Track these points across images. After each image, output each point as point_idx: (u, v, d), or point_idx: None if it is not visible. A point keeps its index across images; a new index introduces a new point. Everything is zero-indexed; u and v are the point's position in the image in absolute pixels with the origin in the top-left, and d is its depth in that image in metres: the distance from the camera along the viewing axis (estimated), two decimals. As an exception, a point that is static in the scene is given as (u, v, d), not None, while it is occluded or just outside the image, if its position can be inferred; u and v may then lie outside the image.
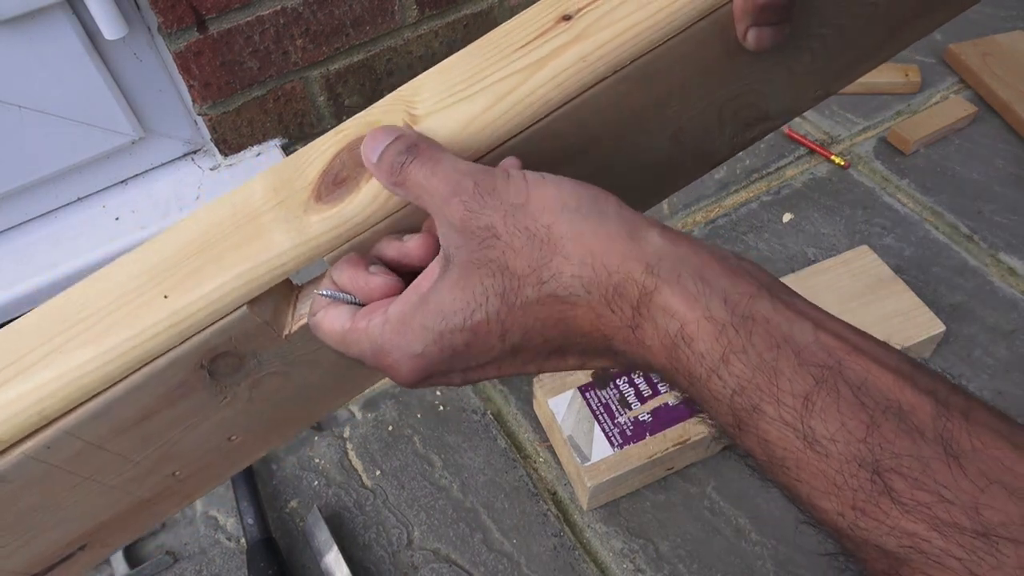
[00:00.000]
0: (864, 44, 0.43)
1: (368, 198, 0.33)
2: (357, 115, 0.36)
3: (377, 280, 0.32)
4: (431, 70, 0.36)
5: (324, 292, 0.33)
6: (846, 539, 0.25)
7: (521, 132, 0.34)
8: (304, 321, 0.35)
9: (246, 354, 0.36)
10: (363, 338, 0.31)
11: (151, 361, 0.33)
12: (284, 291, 0.35)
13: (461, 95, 0.34)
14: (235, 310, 0.33)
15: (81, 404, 0.33)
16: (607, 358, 0.31)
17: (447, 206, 0.30)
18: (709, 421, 0.29)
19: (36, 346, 0.34)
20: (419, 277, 0.32)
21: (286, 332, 0.36)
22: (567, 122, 0.35)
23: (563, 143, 0.36)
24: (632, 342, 0.28)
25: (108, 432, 0.35)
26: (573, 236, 0.28)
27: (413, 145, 0.31)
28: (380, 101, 0.36)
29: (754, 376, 0.26)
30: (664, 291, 0.27)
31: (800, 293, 0.29)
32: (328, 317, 0.33)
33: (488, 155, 0.34)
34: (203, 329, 0.33)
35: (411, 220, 0.34)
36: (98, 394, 0.33)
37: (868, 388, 0.25)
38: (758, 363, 0.26)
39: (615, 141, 0.38)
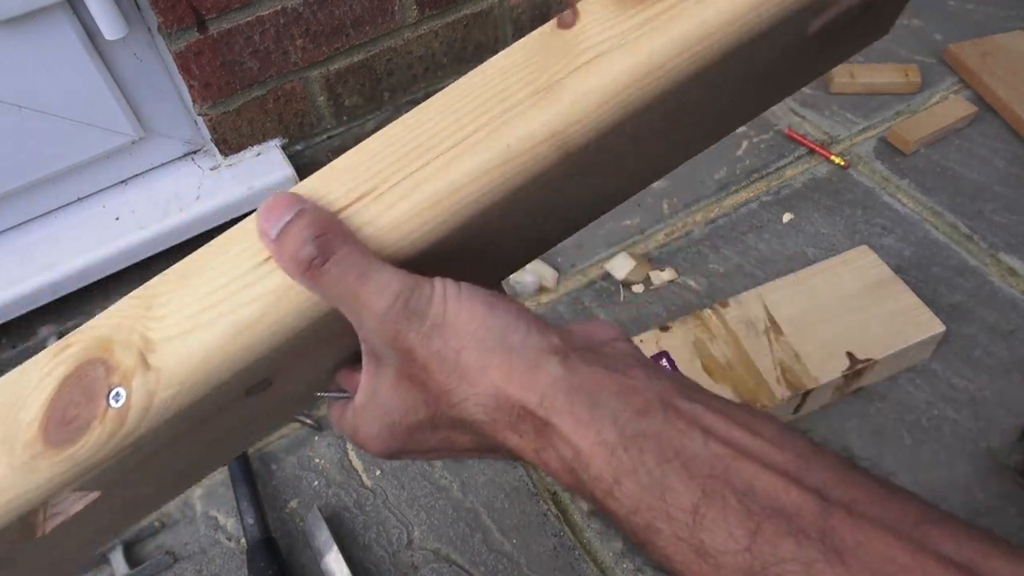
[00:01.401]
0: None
1: (104, 438, 0.30)
2: (85, 326, 0.32)
3: (358, 373, 0.37)
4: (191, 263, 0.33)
5: (326, 395, 0.40)
6: None
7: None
8: (59, 520, 0.33)
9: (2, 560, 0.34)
10: (345, 424, 0.37)
11: None
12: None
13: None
14: None
15: None
16: (531, 464, 0.34)
17: (376, 322, 0.30)
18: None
19: None
20: (362, 374, 0.35)
21: (39, 533, 0.33)
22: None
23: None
24: (540, 463, 0.30)
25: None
26: (479, 367, 0.30)
27: (327, 238, 0.30)
28: (112, 308, 0.33)
29: (644, 496, 0.27)
30: (556, 420, 0.29)
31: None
32: (333, 410, 0.39)
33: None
34: None
35: (155, 446, 0.32)
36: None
37: (755, 493, 0.26)
38: (648, 482, 0.27)
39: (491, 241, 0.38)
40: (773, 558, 0.25)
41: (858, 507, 0.25)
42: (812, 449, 0.28)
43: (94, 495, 0.33)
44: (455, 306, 0.30)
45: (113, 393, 0.31)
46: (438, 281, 0.31)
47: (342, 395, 0.38)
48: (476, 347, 0.30)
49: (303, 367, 0.37)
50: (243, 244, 0.33)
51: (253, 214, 0.32)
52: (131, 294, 0.33)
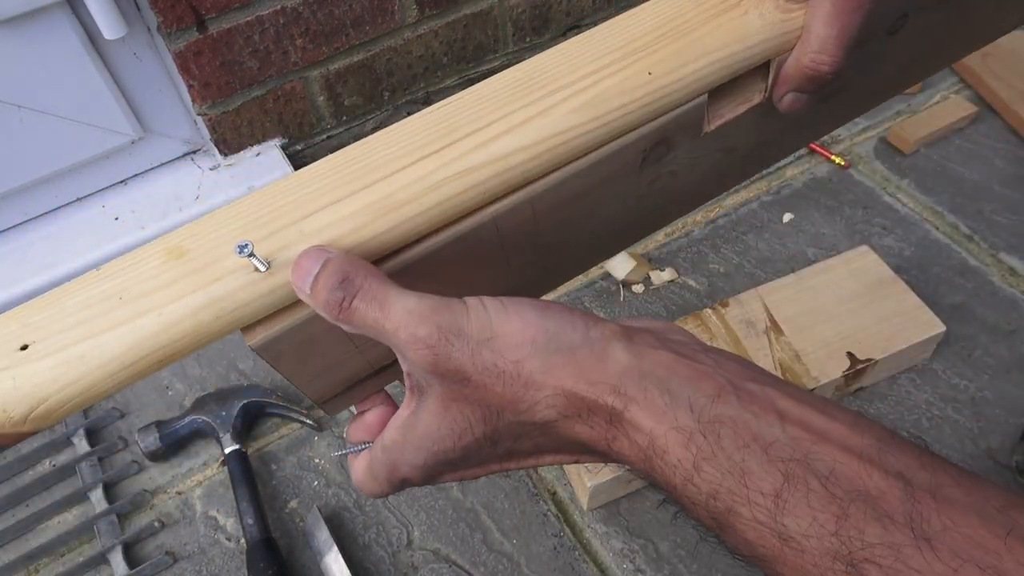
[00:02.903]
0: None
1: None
2: None
3: (369, 416, 0.38)
4: None
5: (344, 451, 0.39)
6: None
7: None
8: (720, 121, 0.38)
9: (672, 145, 0.38)
10: (378, 465, 0.35)
11: (623, 135, 0.34)
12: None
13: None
14: (698, 96, 0.35)
15: (550, 172, 0.34)
16: (598, 458, 0.32)
17: (410, 351, 0.30)
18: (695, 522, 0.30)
19: (529, 102, 0.34)
20: (400, 409, 0.34)
21: (706, 129, 0.38)
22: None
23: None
24: (612, 453, 0.30)
25: (549, 206, 0.35)
26: (543, 371, 0.29)
27: (347, 280, 0.30)
28: None
29: (724, 480, 0.27)
30: (632, 408, 0.29)
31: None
32: (356, 465, 0.37)
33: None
34: (672, 110, 0.35)
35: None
36: (568, 163, 0.34)
37: (837, 477, 0.26)
38: (728, 467, 0.27)
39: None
40: (860, 543, 0.24)
41: (942, 492, 0.25)
42: (888, 434, 0.27)
43: (755, 102, 0.38)
44: (501, 317, 0.30)
45: None
46: (469, 299, 0.30)
47: (361, 447, 0.38)
48: (536, 353, 0.29)
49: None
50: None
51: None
52: None
